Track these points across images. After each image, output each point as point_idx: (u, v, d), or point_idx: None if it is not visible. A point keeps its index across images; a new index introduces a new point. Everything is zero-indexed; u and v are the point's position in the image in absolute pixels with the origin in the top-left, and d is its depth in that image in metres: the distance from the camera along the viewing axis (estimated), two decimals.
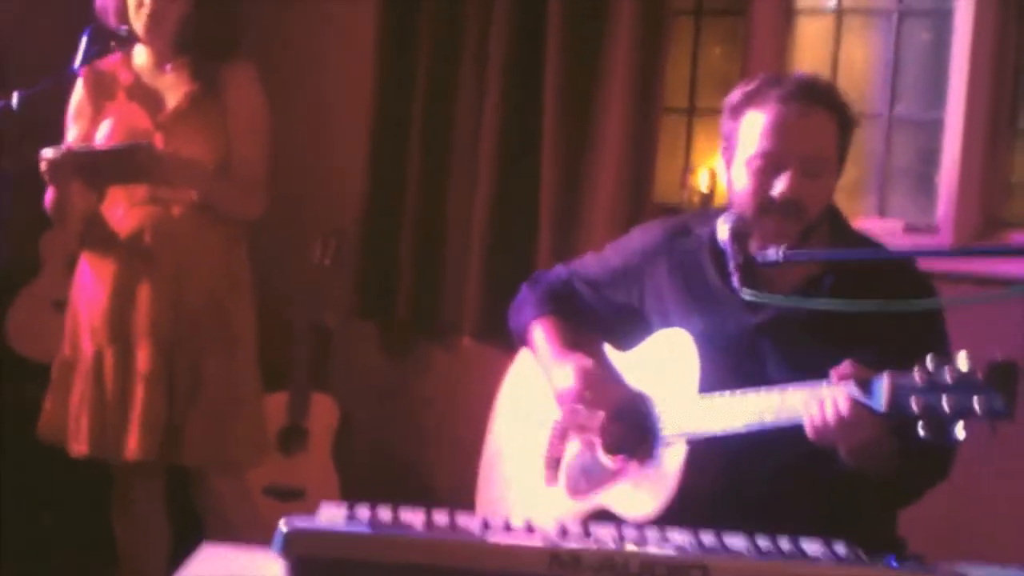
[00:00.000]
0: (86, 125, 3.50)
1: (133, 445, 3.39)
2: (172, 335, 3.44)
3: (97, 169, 3.35)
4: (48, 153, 3.27)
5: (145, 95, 3.48)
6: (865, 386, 2.08)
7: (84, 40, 3.33)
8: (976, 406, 1.88)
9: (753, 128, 2.38)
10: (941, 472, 2.35)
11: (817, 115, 2.37)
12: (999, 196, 3.58)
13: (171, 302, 3.44)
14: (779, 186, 2.34)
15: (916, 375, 1.96)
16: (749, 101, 2.41)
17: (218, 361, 3.49)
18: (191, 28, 3.45)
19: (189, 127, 3.44)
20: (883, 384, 2.03)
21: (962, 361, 1.92)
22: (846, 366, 2.11)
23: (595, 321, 2.69)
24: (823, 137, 2.38)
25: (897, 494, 2.36)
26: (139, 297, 3.44)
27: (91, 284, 3.50)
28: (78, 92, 3.53)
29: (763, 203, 2.36)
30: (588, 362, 2.54)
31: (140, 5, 3.40)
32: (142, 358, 3.42)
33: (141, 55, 3.52)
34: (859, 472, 2.24)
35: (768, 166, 2.36)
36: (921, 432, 1.95)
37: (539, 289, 2.77)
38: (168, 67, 3.49)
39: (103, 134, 3.45)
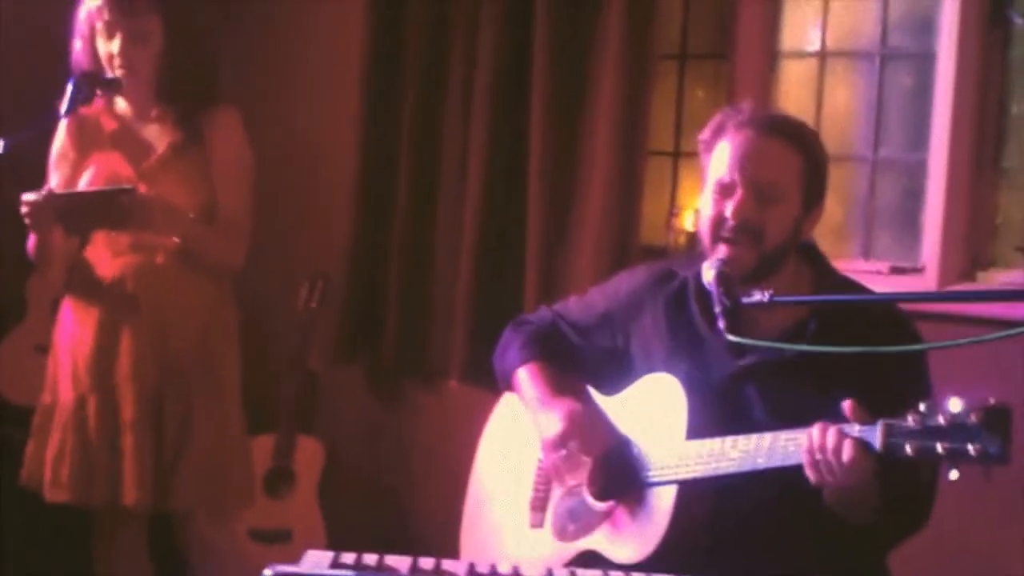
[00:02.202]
0: (68, 171, 3.48)
1: (130, 492, 3.38)
2: (158, 382, 3.42)
3: (79, 213, 3.33)
4: (29, 197, 3.26)
5: (129, 143, 3.47)
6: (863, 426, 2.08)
7: (71, 86, 3.32)
8: (971, 450, 1.88)
9: (716, 159, 2.41)
10: (918, 523, 2.34)
11: (773, 143, 2.39)
12: (984, 236, 3.59)
13: (156, 350, 3.42)
14: (729, 208, 2.36)
15: (911, 420, 1.96)
16: (716, 134, 2.44)
17: (207, 407, 3.48)
18: (168, 74, 3.44)
19: (172, 175, 3.43)
20: (877, 429, 2.03)
21: (955, 405, 1.92)
22: (847, 407, 2.10)
23: (580, 364, 2.69)
24: (778, 165, 2.39)
25: (872, 541, 2.36)
26: (123, 345, 3.42)
27: (73, 331, 3.48)
28: (60, 138, 3.51)
29: (717, 228, 2.38)
30: (575, 407, 2.54)
31: (111, 58, 3.39)
32: (127, 405, 3.40)
33: (123, 102, 3.51)
34: (839, 515, 2.24)
35: (723, 191, 2.39)
36: (916, 475, 1.95)
37: (523, 332, 2.76)
38: (152, 115, 3.49)
39: (85, 181, 3.44)
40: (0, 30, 4.42)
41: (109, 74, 3.39)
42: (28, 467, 3.53)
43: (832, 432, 2.09)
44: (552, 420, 2.53)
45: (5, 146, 3.21)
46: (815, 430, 2.11)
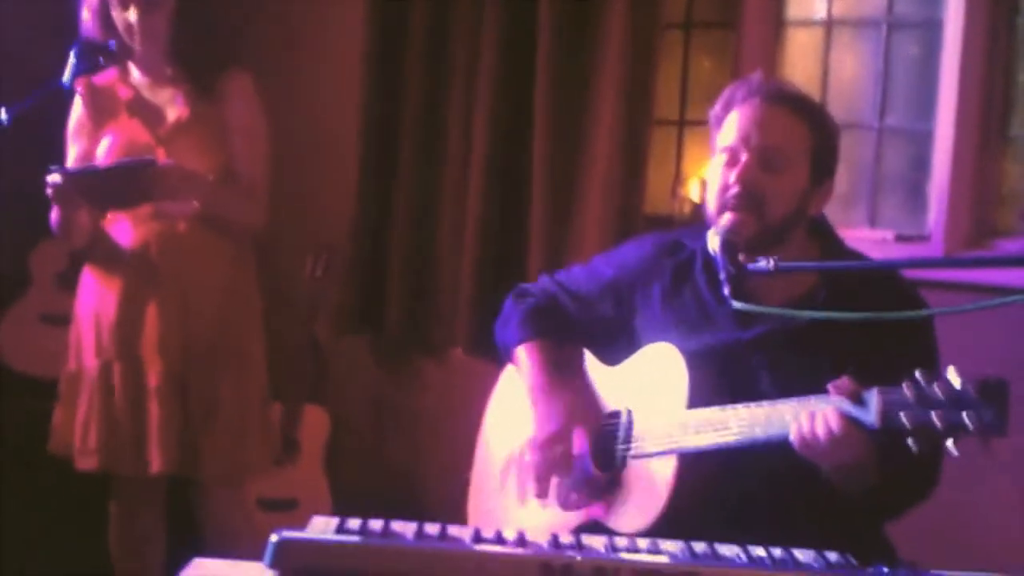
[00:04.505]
0: (86, 143, 3.50)
1: (156, 459, 3.40)
2: (183, 351, 3.44)
3: (104, 190, 3.34)
4: (54, 178, 3.25)
5: (145, 110, 3.48)
6: (857, 401, 2.08)
7: (72, 56, 3.32)
8: (968, 422, 1.88)
9: (725, 130, 2.42)
10: (922, 493, 2.35)
11: (780, 112, 2.39)
12: (990, 205, 3.58)
13: (180, 318, 3.44)
14: (733, 175, 2.36)
15: (907, 391, 1.96)
16: (726, 107, 2.44)
17: (231, 377, 3.50)
18: (181, 36, 3.45)
19: (190, 139, 3.45)
20: (874, 400, 2.03)
21: (953, 376, 1.92)
22: (843, 381, 2.11)
23: (580, 335, 2.68)
24: (785, 133, 2.38)
25: (878, 510, 2.36)
26: (147, 313, 3.44)
27: (97, 299, 3.49)
28: (77, 109, 3.53)
29: (721, 195, 2.38)
30: (573, 398, 2.54)
31: (128, 27, 3.40)
32: (153, 373, 3.42)
33: (137, 71, 3.52)
34: (839, 487, 2.24)
35: (729, 159, 2.39)
36: (912, 447, 1.95)
37: (523, 306, 2.76)
38: (166, 80, 3.49)
39: (103, 150, 3.44)
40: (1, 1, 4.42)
41: (127, 43, 3.40)
42: (57, 435, 3.54)
43: (820, 404, 2.10)
44: (548, 417, 2.53)
45: (8, 116, 3.21)
46: (804, 419, 2.12)
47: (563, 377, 2.61)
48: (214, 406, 3.47)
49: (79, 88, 3.47)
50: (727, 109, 2.43)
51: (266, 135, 3.57)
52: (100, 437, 3.44)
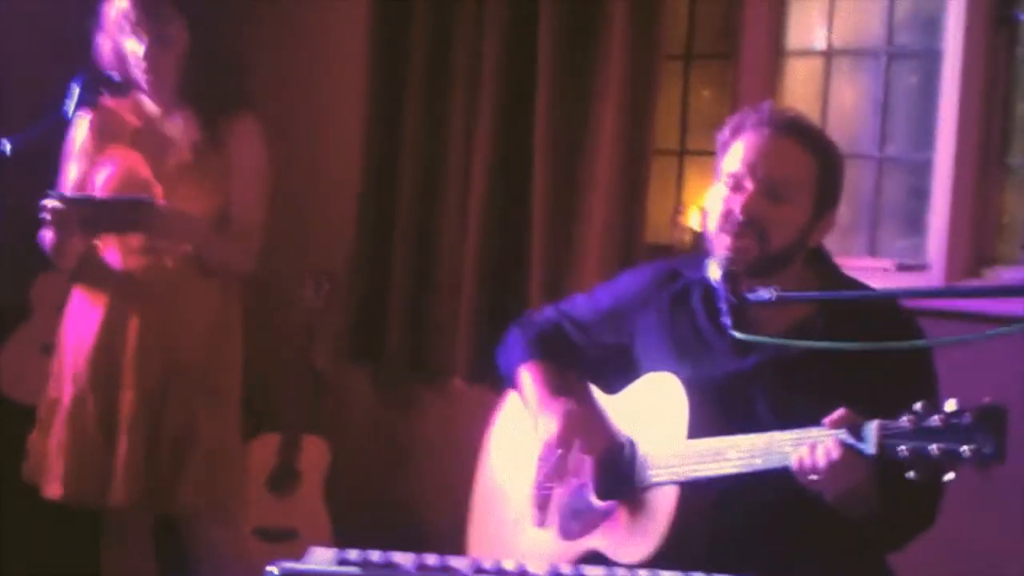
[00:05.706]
0: (86, 165, 3.49)
1: (119, 492, 3.37)
2: (161, 385, 3.42)
3: (98, 220, 3.34)
4: (52, 203, 3.25)
5: (149, 143, 3.47)
6: (856, 432, 2.07)
7: (76, 87, 3.33)
8: (966, 451, 1.88)
9: (730, 155, 2.41)
10: (924, 522, 2.34)
11: (788, 143, 2.39)
12: (989, 234, 3.58)
13: (160, 351, 3.42)
14: (738, 203, 2.36)
15: (906, 421, 1.96)
16: (735, 133, 2.44)
17: (209, 413, 3.48)
18: (191, 77, 3.45)
19: (191, 180, 3.43)
20: (872, 432, 2.03)
21: (951, 406, 1.92)
22: (839, 412, 2.10)
23: (583, 364, 2.69)
24: (791, 164, 2.38)
25: (880, 540, 2.36)
26: (127, 345, 3.42)
27: (78, 328, 3.48)
28: (82, 131, 3.51)
29: (723, 222, 2.38)
30: (572, 408, 2.54)
31: (138, 61, 3.40)
32: (126, 406, 3.40)
33: (149, 103, 3.52)
34: (842, 515, 2.23)
35: (734, 186, 2.39)
36: (911, 477, 1.95)
37: (528, 332, 2.77)
38: (174, 117, 3.49)
39: (102, 179, 3.44)
40: (3, 28, 4.43)
41: (136, 76, 3.41)
42: (29, 461, 3.53)
43: (820, 434, 2.10)
44: (550, 421, 2.53)
45: (11, 146, 3.22)
46: (805, 449, 2.12)
47: (565, 393, 2.61)
48: (191, 441, 3.45)
49: (87, 111, 3.46)
50: (736, 135, 2.43)
51: (267, 184, 3.56)
52: (67, 467, 3.43)
